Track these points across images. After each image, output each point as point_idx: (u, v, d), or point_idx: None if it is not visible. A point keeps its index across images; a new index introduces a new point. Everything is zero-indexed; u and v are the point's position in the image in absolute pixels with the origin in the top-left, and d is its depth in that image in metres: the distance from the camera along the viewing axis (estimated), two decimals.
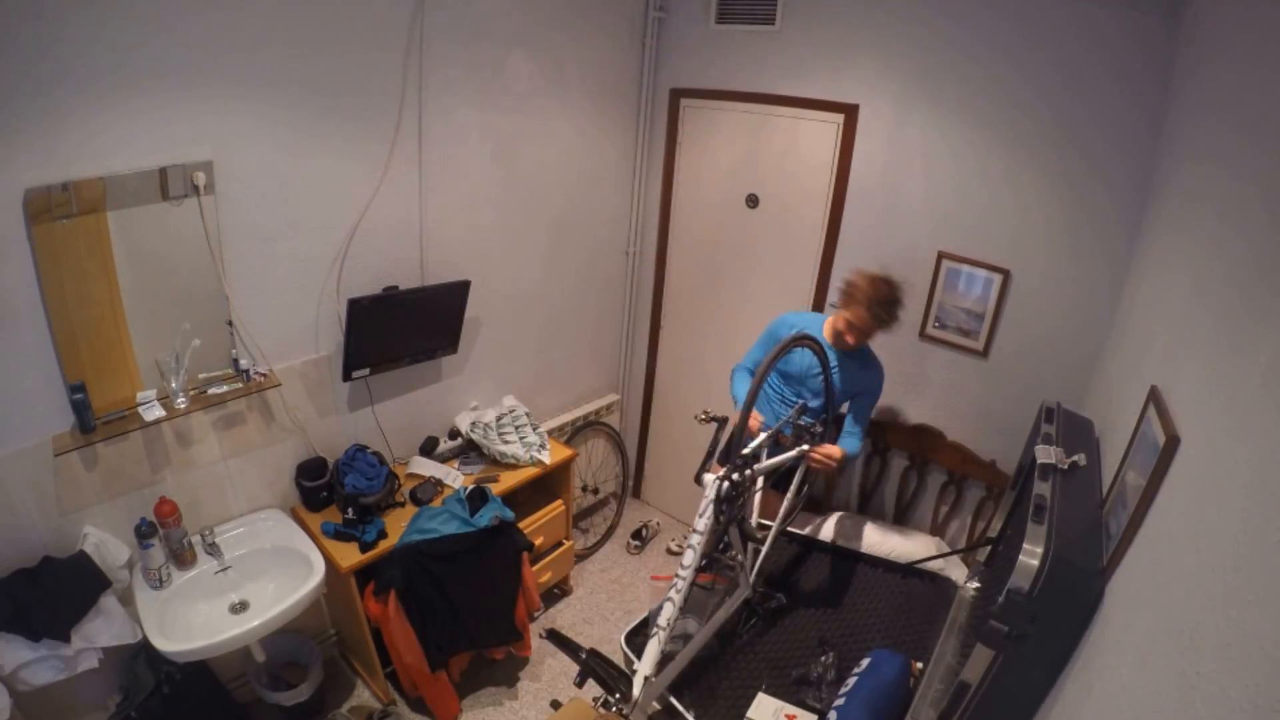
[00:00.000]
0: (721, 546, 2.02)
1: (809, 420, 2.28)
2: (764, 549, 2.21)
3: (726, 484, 1.76)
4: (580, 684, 1.76)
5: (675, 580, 1.75)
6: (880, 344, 2.74)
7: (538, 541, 2.70)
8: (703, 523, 1.77)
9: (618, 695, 1.67)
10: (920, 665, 1.81)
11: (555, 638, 1.94)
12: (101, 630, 1.77)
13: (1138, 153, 2.01)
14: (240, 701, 2.26)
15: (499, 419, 2.79)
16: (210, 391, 1.99)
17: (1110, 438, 1.59)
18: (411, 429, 2.71)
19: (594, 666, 1.77)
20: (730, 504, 1.78)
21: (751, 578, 2.12)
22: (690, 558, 1.74)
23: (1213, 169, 1.39)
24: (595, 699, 1.71)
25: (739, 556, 2.01)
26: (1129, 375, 1.63)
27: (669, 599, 1.73)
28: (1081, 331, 2.23)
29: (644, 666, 1.66)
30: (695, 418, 2.13)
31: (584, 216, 3.11)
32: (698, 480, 1.89)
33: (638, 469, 3.87)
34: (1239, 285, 1.06)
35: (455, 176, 2.50)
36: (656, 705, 1.89)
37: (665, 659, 1.73)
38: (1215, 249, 1.24)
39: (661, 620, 1.71)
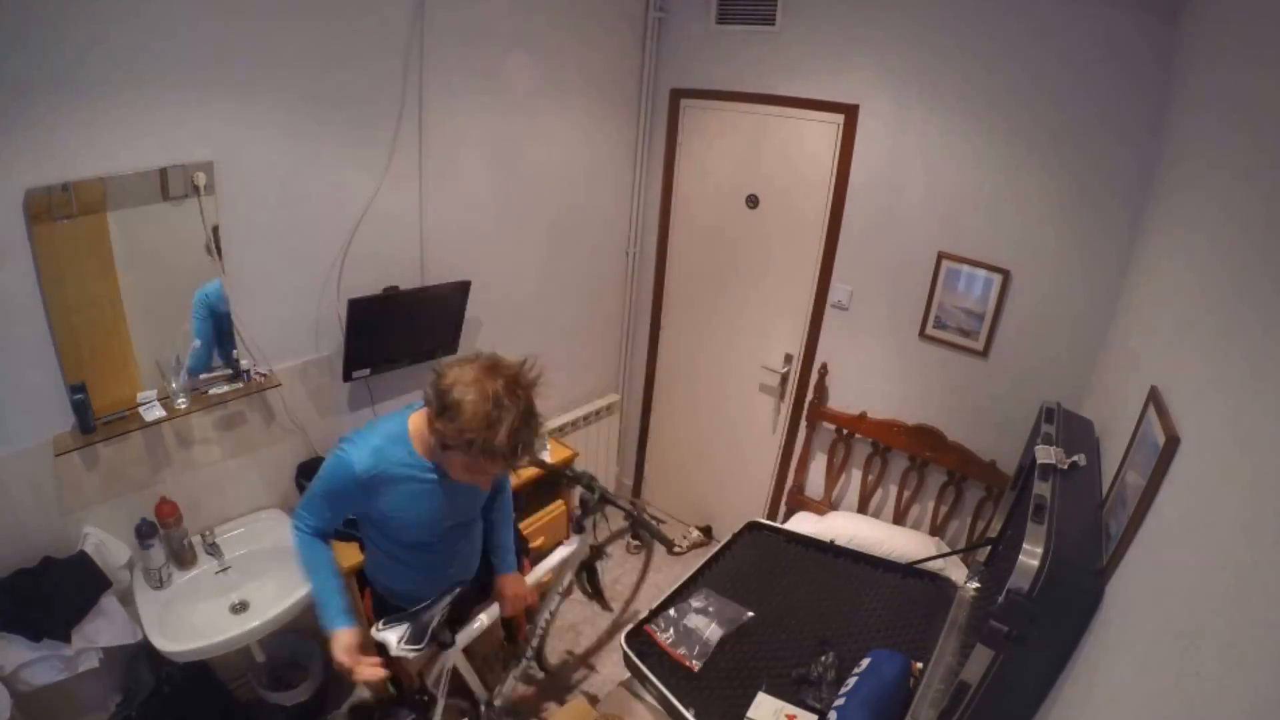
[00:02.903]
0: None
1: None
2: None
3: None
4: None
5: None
6: (880, 345, 2.74)
7: (538, 542, 2.70)
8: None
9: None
10: (920, 665, 1.81)
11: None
12: (102, 630, 1.77)
13: (1138, 152, 2.01)
14: (240, 701, 2.25)
15: None
16: (210, 392, 1.99)
17: (1110, 438, 1.59)
18: None
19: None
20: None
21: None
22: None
23: (1213, 169, 1.39)
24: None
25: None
26: (1129, 375, 1.63)
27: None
28: (1081, 331, 2.23)
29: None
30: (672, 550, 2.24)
31: (584, 216, 3.11)
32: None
33: (638, 469, 3.87)
34: (1239, 285, 1.06)
35: (456, 177, 2.50)
36: (657, 705, 1.89)
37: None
38: (1215, 248, 1.24)
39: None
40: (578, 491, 2.21)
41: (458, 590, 1.69)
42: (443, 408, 1.37)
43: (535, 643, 2.12)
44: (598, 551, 2.28)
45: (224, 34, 1.80)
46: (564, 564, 2.12)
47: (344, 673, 1.52)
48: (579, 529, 2.15)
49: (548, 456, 2.78)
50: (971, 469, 2.56)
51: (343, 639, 1.52)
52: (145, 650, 1.87)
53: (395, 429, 1.54)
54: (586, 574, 2.35)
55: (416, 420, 1.54)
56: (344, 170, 2.18)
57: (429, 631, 1.61)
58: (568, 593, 2.19)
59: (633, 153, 3.23)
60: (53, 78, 1.56)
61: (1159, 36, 1.91)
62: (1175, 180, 1.71)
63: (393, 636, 1.59)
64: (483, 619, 1.81)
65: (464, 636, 1.77)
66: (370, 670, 1.51)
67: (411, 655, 1.59)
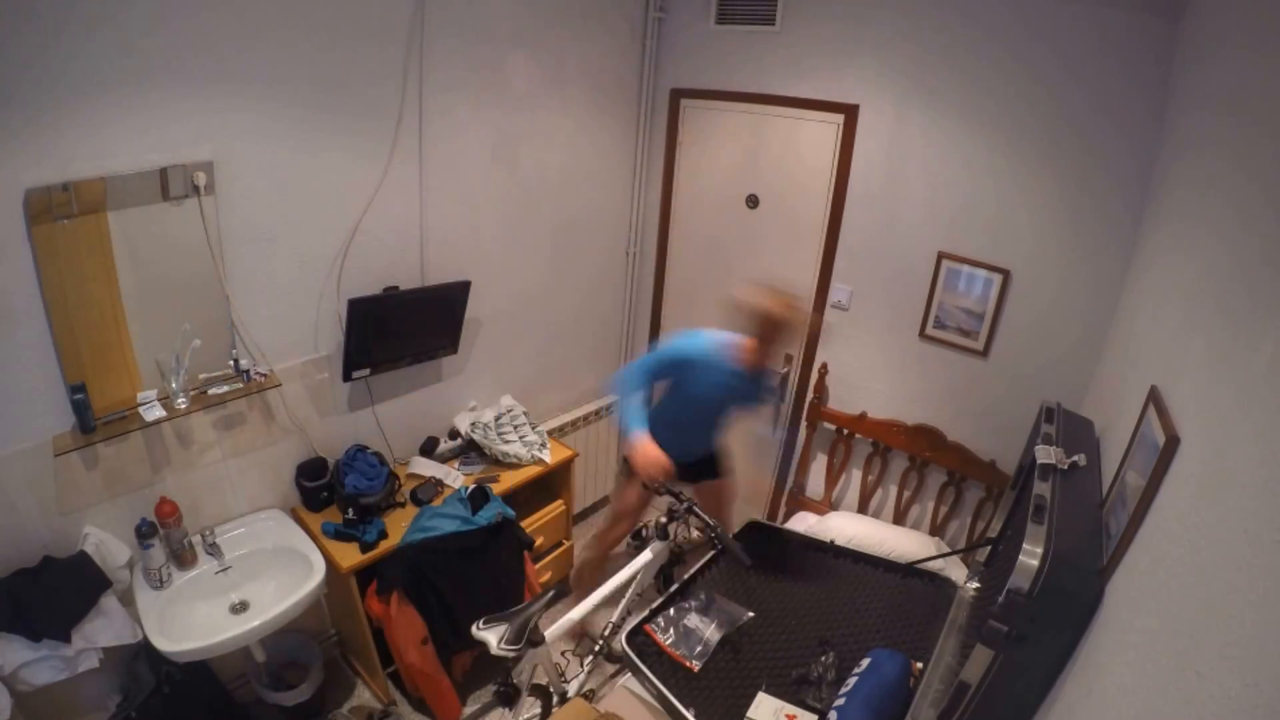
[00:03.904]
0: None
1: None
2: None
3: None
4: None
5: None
6: (880, 345, 2.75)
7: (538, 541, 2.70)
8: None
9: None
10: (920, 665, 1.81)
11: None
12: (102, 630, 1.77)
13: (1138, 152, 2.01)
14: (240, 701, 2.26)
15: (497, 419, 2.79)
16: (210, 391, 1.99)
17: (1110, 438, 1.58)
18: (412, 429, 2.71)
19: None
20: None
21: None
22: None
23: (1213, 167, 1.39)
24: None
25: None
26: (1129, 375, 1.63)
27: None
28: (1081, 331, 2.23)
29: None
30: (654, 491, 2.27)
31: (584, 216, 3.11)
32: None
33: None
34: (1238, 285, 1.06)
35: (456, 176, 2.50)
36: (655, 703, 1.89)
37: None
38: (1214, 249, 1.24)
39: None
40: (665, 501, 2.27)
41: (550, 594, 1.94)
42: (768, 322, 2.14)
43: (609, 634, 2.22)
44: (678, 556, 2.38)
45: (224, 34, 1.80)
46: (646, 568, 2.22)
47: (645, 466, 2.11)
48: (663, 535, 2.23)
49: (548, 457, 2.79)
50: (971, 469, 2.56)
51: (642, 436, 2.12)
52: (145, 650, 1.88)
53: (714, 342, 2.20)
54: (664, 578, 2.44)
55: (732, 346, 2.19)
56: (344, 170, 2.18)
57: (526, 631, 1.77)
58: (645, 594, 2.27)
59: (633, 153, 3.23)
60: (53, 77, 1.56)
61: (1157, 33, 1.91)
62: (1176, 179, 1.71)
63: (493, 636, 1.73)
64: (572, 616, 2.03)
65: (551, 634, 1.94)
66: (659, 469, 2.11)
67: (510, 655, 1.74)
